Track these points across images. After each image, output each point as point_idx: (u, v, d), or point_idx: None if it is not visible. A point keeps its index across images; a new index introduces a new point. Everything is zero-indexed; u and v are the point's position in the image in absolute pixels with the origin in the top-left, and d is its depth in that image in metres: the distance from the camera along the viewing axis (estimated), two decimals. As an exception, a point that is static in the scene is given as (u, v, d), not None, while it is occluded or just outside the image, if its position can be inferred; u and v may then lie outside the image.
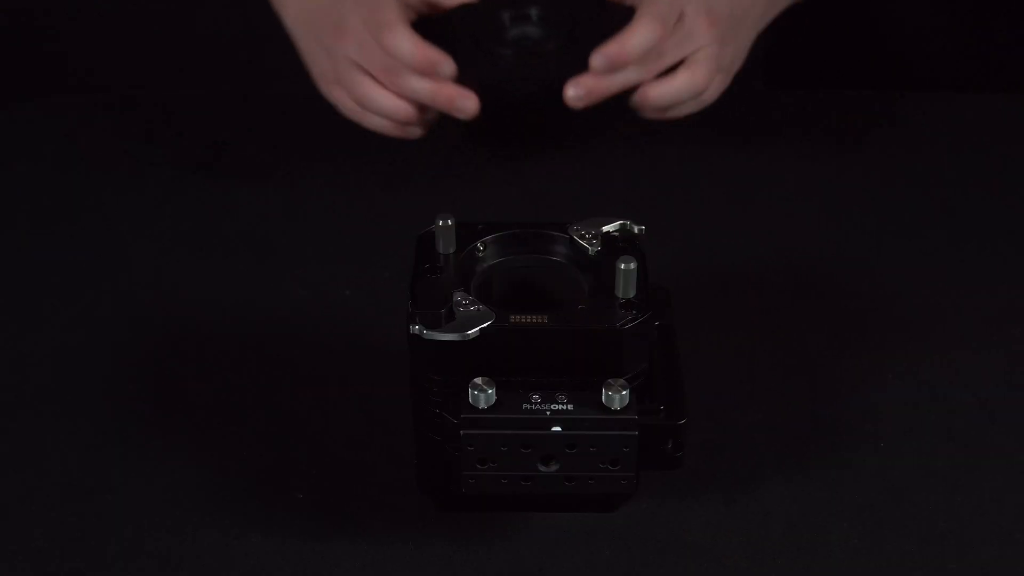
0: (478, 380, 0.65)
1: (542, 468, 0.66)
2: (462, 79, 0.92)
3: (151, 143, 1.06)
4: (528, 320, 0.67)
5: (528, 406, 0.65)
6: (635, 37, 0.91)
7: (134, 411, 0.81)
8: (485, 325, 0.66)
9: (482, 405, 0.65)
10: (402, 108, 0.93)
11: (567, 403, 0.65)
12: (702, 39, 0.93)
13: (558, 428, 0.65)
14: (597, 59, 0.90)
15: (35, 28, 1.43)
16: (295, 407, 0.81)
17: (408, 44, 0.90)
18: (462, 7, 0.96)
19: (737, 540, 0.73)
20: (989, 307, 0.89)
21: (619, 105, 0.93)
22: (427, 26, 0.94)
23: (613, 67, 0.90)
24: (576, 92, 0.91)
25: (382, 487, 0.76)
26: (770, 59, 1.15)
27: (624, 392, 0.65)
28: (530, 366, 0.67)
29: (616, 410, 0.65)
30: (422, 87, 0.92)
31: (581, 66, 0.91)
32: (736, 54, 0.97)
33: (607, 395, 0.65)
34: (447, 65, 0.91)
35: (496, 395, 0.65)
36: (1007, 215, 0.97)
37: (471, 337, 0.66)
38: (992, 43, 1.29)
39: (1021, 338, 0.86)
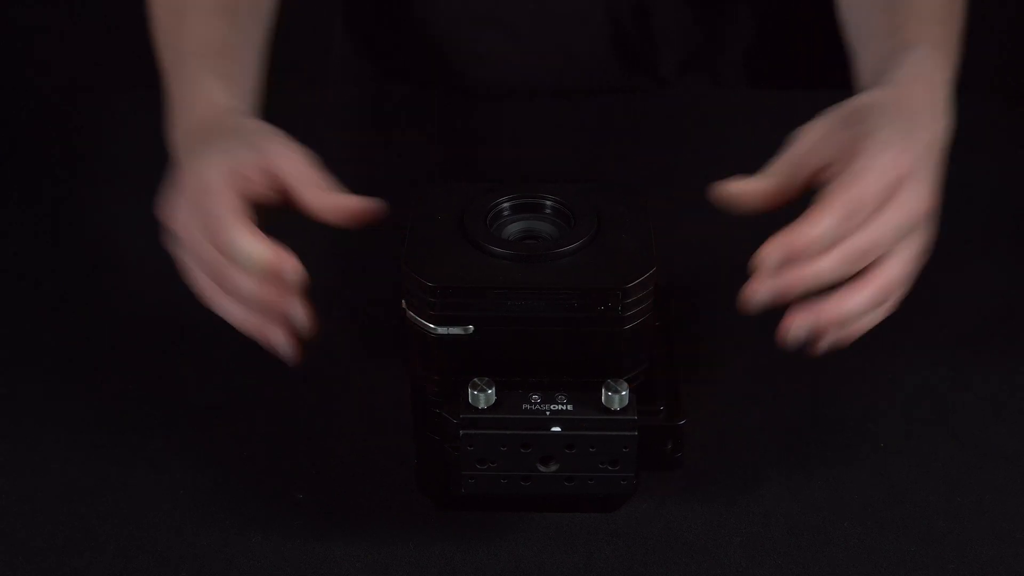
0: (478, 380, 0.65)
1: (542, 468, 0.66)
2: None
3: (151, 143, 1.06)
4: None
5: (528, 406, 0.65)
6: (817, 226, 0.66)
7: (134, 411, 0.81)
8: None
9: (482, 405, 0.65)
10: (239, 317, 0.73)
11: (567, 403, 0.65)
12: (916, 217, 0.70)
13: (558, 428, 0.65)
14: (774, 250, 0.66)
15: (35, 28, 1.43)
16: (295, 407, 0.81)
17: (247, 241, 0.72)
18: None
19: (737, 540, 0.73)
20: (989, 307, 0.89)
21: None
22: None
23: (789, 260, 0.66)
24: (761, 292, 0.67)
25: (382, 487, 0.76)
26: (754, 58, 1.13)
27: (624, 392, 0.65)
28: (530, 365, 0.67)
29: (616, 410, 0.65)
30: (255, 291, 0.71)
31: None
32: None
33: (607, 395, 0.65)
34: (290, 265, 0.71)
35: (496, 395, 0.65)
36: (1007, 215, 0.97)
37: (471, 334, 0.66)
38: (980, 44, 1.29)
39: (1021, 338, 0.86)
